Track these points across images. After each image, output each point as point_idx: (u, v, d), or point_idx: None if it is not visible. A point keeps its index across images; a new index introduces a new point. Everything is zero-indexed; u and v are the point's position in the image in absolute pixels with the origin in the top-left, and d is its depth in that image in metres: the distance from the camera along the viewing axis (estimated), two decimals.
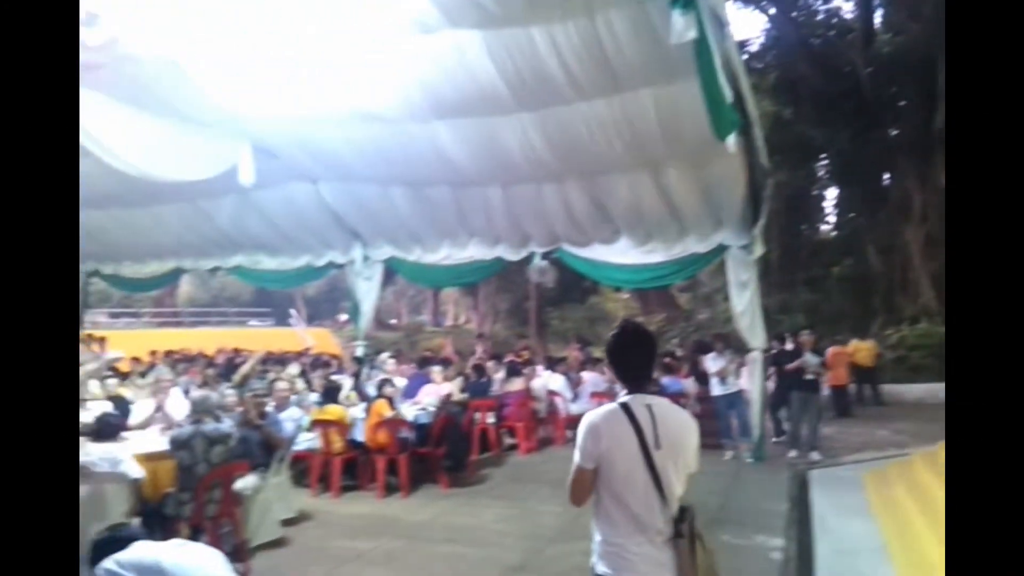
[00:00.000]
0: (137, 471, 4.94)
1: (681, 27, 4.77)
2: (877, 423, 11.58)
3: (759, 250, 8.38)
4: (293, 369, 10.16)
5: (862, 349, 14.40)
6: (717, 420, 9.19)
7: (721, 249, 8.68)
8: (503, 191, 8.90)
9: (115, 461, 4.88)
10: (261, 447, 6.03)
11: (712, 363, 9.10)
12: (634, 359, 2.56)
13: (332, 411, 7.65)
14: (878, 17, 20.66)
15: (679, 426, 2.49)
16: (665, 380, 10.09)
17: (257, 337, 20.99)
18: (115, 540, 2.73)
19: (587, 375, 10.41)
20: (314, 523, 6.30)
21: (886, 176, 19.48)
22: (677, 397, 9.92)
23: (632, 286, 14.02)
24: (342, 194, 9.60)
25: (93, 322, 18.46)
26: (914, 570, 4.77)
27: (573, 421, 9.99)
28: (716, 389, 9.00)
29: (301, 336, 12.28)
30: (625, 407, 2.46)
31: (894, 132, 19.15)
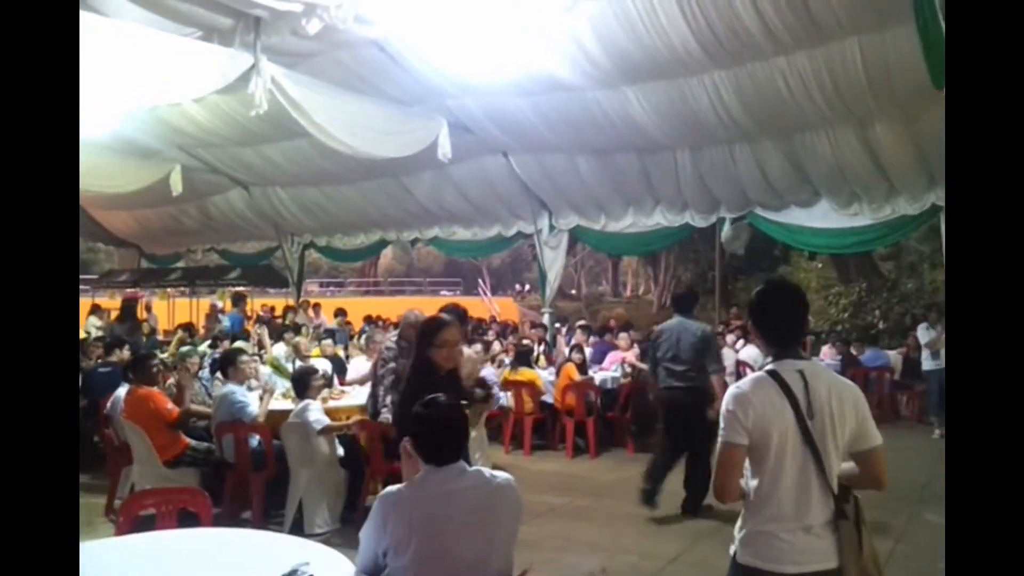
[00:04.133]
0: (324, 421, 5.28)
1: None
2: None
3: None
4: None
5: None
6: (927, 396, 8.55)
7: (936, 210, 7.95)
8: (692, 155, 8.71)
9: (303, 412, 5.27)
10: (471, 402, 6.44)
11: (923, 334, 8.43)
12: (783, 320, 2.30)
13: (525, 373, 8.03)
14: None
15: (837, 393, 2.17)
16: (868, 353, 9.51)
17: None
18: None
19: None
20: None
21: None
22: (882, 371, 9.31)
23: (832, 251, 13.12)
24: (530, 165, 9.88)
25: (307, 290, 20.37)
26: None
27: None
28: (927, 363, 8.35)
29: (488, 304, 12.85)
30: (773, 374, 2.19)
31: None
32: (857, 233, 8.73)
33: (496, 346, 9.15)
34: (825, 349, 9.96)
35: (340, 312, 13.87)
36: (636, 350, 9.08)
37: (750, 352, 9.84)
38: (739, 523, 2.27)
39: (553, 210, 10.94)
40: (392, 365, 5.08)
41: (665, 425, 5.72)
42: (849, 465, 2.23)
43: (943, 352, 8.27)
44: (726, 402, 2.21)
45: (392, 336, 5.76)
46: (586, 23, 6.35)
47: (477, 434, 6.53)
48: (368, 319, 12.90)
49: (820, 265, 18.94)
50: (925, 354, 8.42)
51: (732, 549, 2.27)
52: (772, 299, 2.35)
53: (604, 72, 7.04)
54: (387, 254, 17.37)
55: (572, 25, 6.39)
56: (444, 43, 6.63)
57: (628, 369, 8.56)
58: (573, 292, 34.16)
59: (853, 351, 9.99)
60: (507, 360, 8.66)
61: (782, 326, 2.29)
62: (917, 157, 7.56)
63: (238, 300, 13.46)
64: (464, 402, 3.06)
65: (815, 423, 2.13)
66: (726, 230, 9.48)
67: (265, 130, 8.59)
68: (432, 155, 7.81)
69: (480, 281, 34.21)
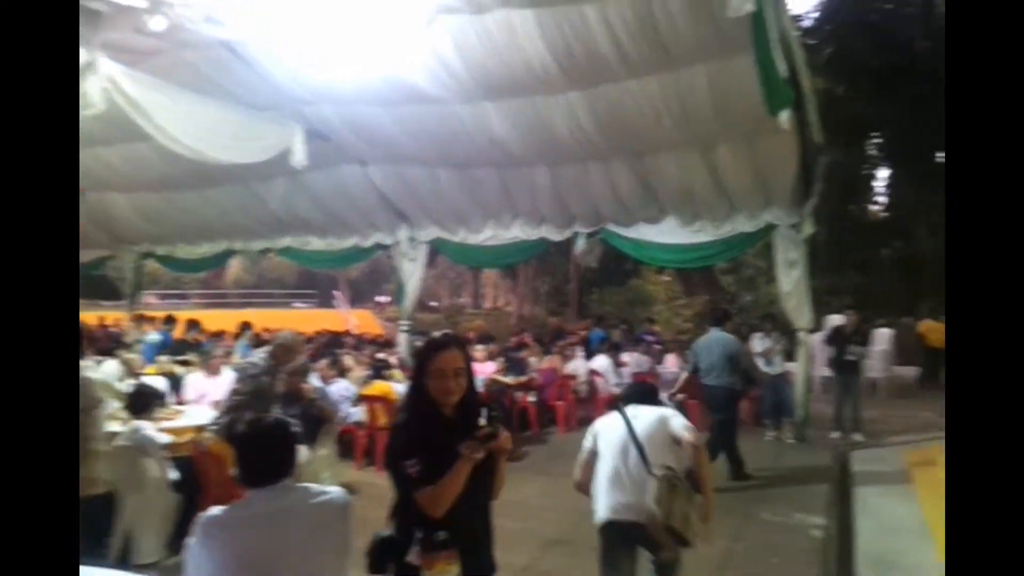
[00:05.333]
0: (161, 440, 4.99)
1: (739, 0, 4.73)
2: (921, 405, 11.40)
3: (809, 229, 8.28)
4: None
5: (934, 330, 14.12)
6: (762, 401, 9.16)
7: (769, 228, 8.59)
8: (549, 171, 8.91)
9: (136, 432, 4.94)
10: (312, 421, 6.19)
11: (759, 344, 9.06)
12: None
13: (378, 387, 7.84)
14: None
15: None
16: None
17: (301, 319, 21.38)
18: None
19: (629, 356, 10.43)
20: (359, 495, 6.44)
21: (939, 155, 18.95)
22: None
23: (676, 266, 13.92)
24: (390, 176, 9.72)
25: (145, 302, 18.99)
26: None
27: (614, 401, 10.06)
28: (763, 368, 8.97)
29: (345, 317, 12.47)
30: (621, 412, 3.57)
31: None
32: (700, 249, 9.27)
33: (349, 360, 8.88)
34: (670, 358, 10.47)
35: (169, 319, 12.53)
36: (496, 363, 9.14)
37: (601, 362, 10.19)
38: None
39: (412, 222, 10.82)
40: (249, 384, 4.85)
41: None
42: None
43: (777, 359, 8.95)
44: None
45: (260, 353, 5.52)
46: (447, 37, 6.33)
47: (327, 451, 6.30)
48: (245, 327, 11.73)
49: (668, 279, 20.00)
50: (761, 362, 9.04)
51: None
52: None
53: (464, 86, 7.06)
54: (235, 264, 16.46)
55: (433, 38, 6.36)
56: (300, 48, 6.37)
57: (487, 383, 8.58)
58: (434, 304, 34.02)
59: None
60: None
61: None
62: (755, 179, 8.13)
63: None
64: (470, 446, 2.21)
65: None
66: (580, 244, 9.78)
67: (102, 132, 7.87)
68: (285, 162, 7.50)
69: (337, 293, 33.29)
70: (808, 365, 8.68)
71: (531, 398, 9.21)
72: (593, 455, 3.50)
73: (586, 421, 9.80)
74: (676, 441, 3.34)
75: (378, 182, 9.92)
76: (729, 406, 6.88)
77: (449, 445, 2.20)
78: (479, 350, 9.34)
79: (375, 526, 2.40)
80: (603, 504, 3.34)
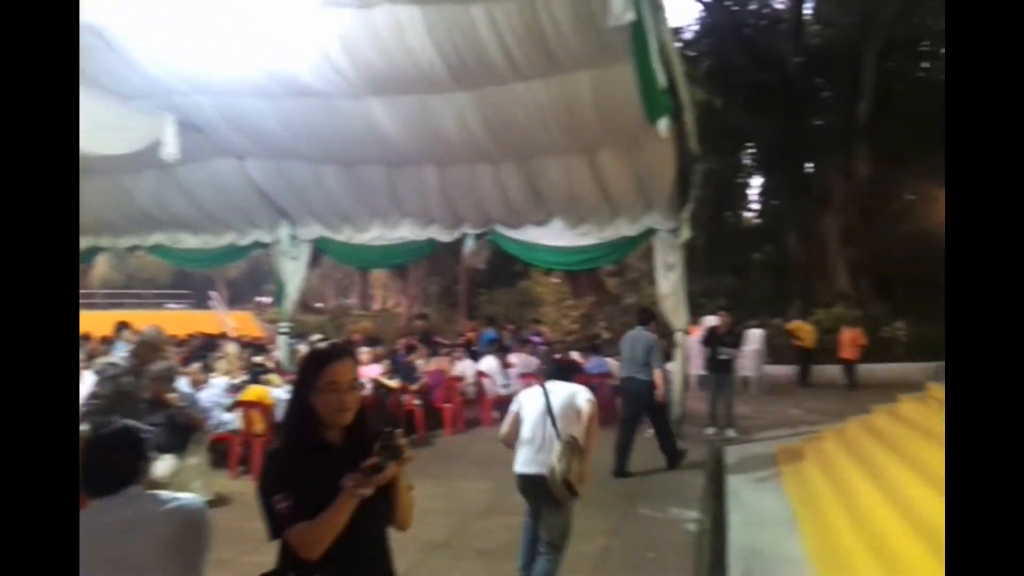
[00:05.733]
0: None
1: (619, 9, 4.84)
2: (790, 402, 12.13)
3: (686, 234, 8.60)
4: (231, 348, 9.85)
5: (803, 330, 14.99)
6: None
7: (650, 232, 8.88)
8: (438, 171, 8.84)
9: None
10: (179, 428, 5.84)
11: None
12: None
13: (254, 392, 7.47)
14: (808, 8, 21.39)
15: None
16: (593, 361, 10.29)
17: (175, 320, 20.25)
18: None
19: (516, 357, 10.51)
20: (233, 506, 6.15)
21: (808, 165, 20.27)
22: (603, 377, 10.12)
23: (563, 268, 14.17)
24: (270, 171, 9.34)
25: None
26: (820, 540, 5.05)
27: (502, 402, 10.08)
28: None
29: (222, 319, 11.89)
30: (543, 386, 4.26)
31: (818, 123, 19.93)
32: (585, 251, 9.47)
33: (223, 363, 8.43)
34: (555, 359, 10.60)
35: None
36: (382, 366, 8.95)
37: (489, 364, 10.21)
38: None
39: (294, 219, 10.45)
40: (109, 387, 4.51)
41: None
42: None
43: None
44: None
45: (121, 352, 5.16)
46: (332, 30, 6.14)
47: (198, 460, 5.98)
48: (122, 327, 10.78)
49: (557, 280, 20.32)
50: None
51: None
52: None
53: (350, 82, 6.87)
54: (101, 262, 15.37)
55: (318, 31, 6.15)
56: (172, 35, 6.01)
57: (369, 386, 8.38)
58: (319, 305, 33.06)
59: (580, 359, 10.72)
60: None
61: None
62: (636, 184, 8.37)
63: None
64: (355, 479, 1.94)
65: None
66: (469, 245, 9.77)
67: None
68: (155, 155, 7.05)
69: (213, 294, 31.76)
70: (685, 364, 9.02)
71: (417, 401, 9.10)
72: (517, 417, 4.21)
73: (474, 423, 9.86)
74: (578, 412, 4.07)
75: (257, 177, 9.51)
76: (648, 396, 7.41)
77: (332, 477, 1.93)
78: (364, 353, 9.12)
79: (253, 539, 2.26)
80: (519, 459, 4.12)
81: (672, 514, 5.91)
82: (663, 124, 5.95)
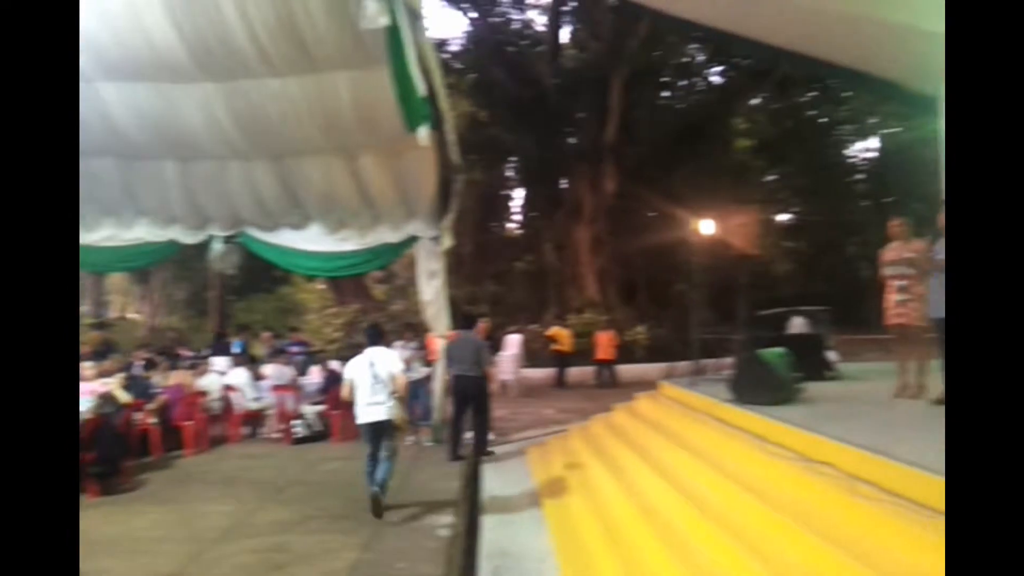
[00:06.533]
0: None
1: (373, 12, 4.77)
2: (545, 403, 12.82)
3: (448, 242, 8.72)
4: None
5: (561, 335, 15.84)
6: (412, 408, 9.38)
7: (412, 240, 8.87)
8: (180, 166, 8.11)
9: None
10: None
11: (399, 352, 9.25)
12: None
13: None
14: (566, 33, 22.84)
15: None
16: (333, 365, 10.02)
17: None
18: None
19: (270, 368, 9.93)
20: None
21: (564, 181, 21.66)
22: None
23: (322, 274, 13.69)
24: None
25: None
26: (566, 534, 5.34)
27: (252, 417, 9.49)
28: (412, 375, 9.18)
29: None
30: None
31: (573, 141, 21.38)
32: (345, 257, 9.22)
33: None
34: (314, 370, 10.20)
35: None
36: (113, 380, 7.98)
37: (238, 376, 9.55)
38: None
39: None
40: None
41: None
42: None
43: (416, 365, 9.25)
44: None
45: None
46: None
47: None
48: None
49: (323, 287, 19.68)
50: (415, 367, 9.27)
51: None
52: None
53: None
54: None
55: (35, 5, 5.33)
56: None
57: (99, 402, 7.42)
58: None
59: (340, 369, 10.40)
60: None
61: None
62: (398, 191, 8.32)
63: None
64: None
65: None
66: (216, 248, 9.06)
67: None
68: None
69: None
70: (446, 369, 9.12)
71: (153, 420, 8.21)
72: (352, 384, 5.90)
73: (220, 440, 9.14)
74: (393, 377, 5.86)
75: None
76: (482, 393, 8.04)
77: None
78: (88, 367, 8.05)
79: None
80: (360, 413, 5.87)
81: (427, 521, 5.90)
82: (423, 132, 5.96)
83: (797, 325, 9.22)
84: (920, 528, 2.99)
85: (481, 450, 8.03)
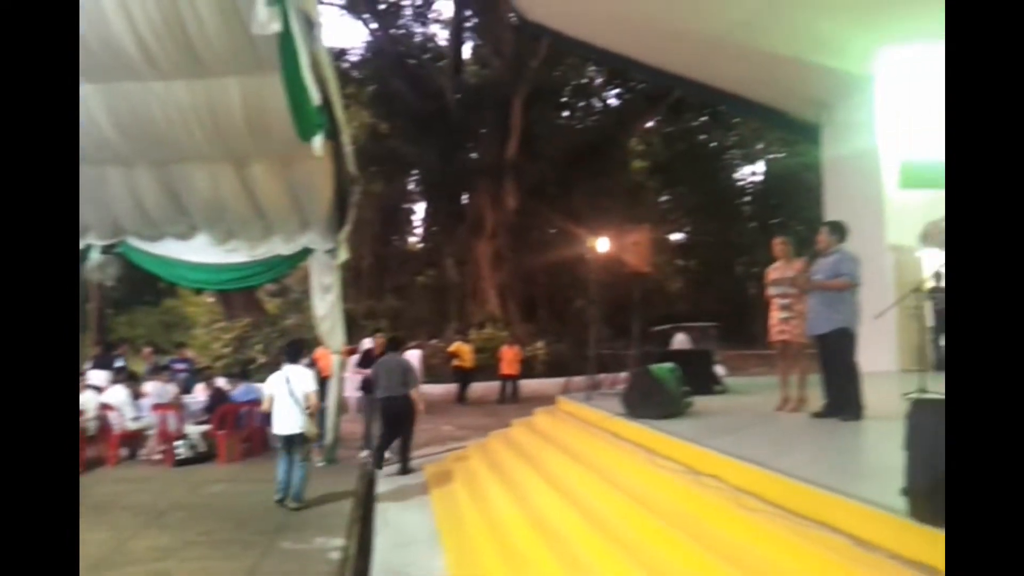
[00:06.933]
0: None
1: (264, 18, 4.61)
2: (445, 419, 12.69)
3: (344, 255, 8.51)
4: None
5: (463, 350, 15.70)
6: None
7: (306, 252, 8.60)
8: None
9: None
10: None
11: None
12: None
13: None
14: (469, 49, 22.97)
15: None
16: (241, 388, 9.62)
17: None
18: None
19: (151, 386, 9.36)
20: None
21: (465, 196, 21.70)
22: (253, 405, 9.50)
23: (209, 287, 13.05)
24: None
25: None
26: (461, 553, 5.28)
27: (131, 437, 8.92)
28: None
29: None
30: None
31: (475, 156, 21.47)
32: (234, 269, 8.82)
33: None
34: (199, 387, 9.71)
35: None
36: None
37: (116, 395, 8.96)
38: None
39: None
40: None
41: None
42: None
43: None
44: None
45: None
46: None
47: None
48: None
49: (212, 300, 18.85)
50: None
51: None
52: None
53: None
54: None
55: None
56: None
57: None
58: None
59: (226, 387, 9.96)
60: None
61: None
62: (291, 201, 8.06)
63: None
64: None
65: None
66: (93, 258, 8.49)
67: None
68: None
69: None
70: (340, 387, 8.88)
71: None
72: (272, 397, 6.49)
73: (96, 463, 8.51)
74: (307, 395, 6.46)
75: None
76: (409, 413, 8.14)
77: None
78: None
79: None
80: (278, 425, 6.49)
81: (317, 544, 5.68)
82: (317, 142, 5.81)
83: (679, 341, 9.54)
84: (799, 538, 3.11)
85: (404, 467, 8.28)
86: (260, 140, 7.00)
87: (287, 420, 6.42)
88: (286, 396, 6.39)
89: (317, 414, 7.43)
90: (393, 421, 8.23)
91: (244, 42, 5.73)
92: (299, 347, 6.99)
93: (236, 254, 8.63)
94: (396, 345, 8.81)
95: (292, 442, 6.46)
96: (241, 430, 8.93)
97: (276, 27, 4.59)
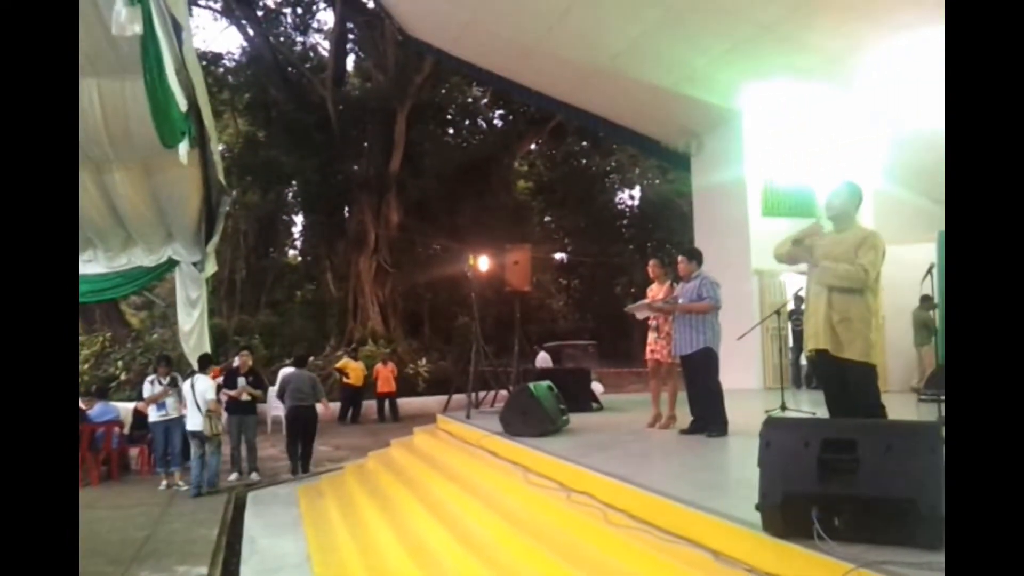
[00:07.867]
0: None
1: (125, 19, 4.32)
2: (322, 440, 12.27)
3: (211, 268, 8.13)
4: None
5: (351, 367, 15.15)
6: (152, 448, 8.52)
7: (171, 264, 8.15)
8: None
9: None
10: None
11: (147, 388, 8.34)
12: None
13: None
14: (352, 61, 22.57)
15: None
16: (98, 407, 8.95)
17: None
18: None
19: None
20: None
21: (347, 209, 21.24)
22: (111, 425, 8.87)
23: None
24: None
25: None
26: None
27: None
28: (153, 415, 8.26)
29: None
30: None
31: (356, 169, 21.07)
32: (91, 281, 8.22)
33: None
34: None
35: None
36: None
37: None
38: None
39: None
40: None
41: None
42: None
43: (170, 403, 8.35)
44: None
45: None
46: None
47: None
48: None
49: None
50: (152, 407, 8.30)
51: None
52: None
53: None
54: None
55: None
56: None
57: None
58: None
59: (82, 406, 9.21)
60: None
61: None
62: (155, 211, 7.63)
63: None
64: None
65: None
66: None
67: None
68: None
69: None
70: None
71: None
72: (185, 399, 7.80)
73: None
74: (207, 401, 7.67)
75: None
76: (313, 421, 9.32)
77: None
78: None
79: None
80: (189, 423, 7.79)
81: (178, 573, 5.34)
82: (182, 149, 5.52)
83: (541, 359, 9.76)
84: (663, 553, 3.20)
85: (305, 467, 9.33)
86: (120, 145, 6.59)
87: (193, 419, 7.75)
88: (192, 401, 7.73)
89: (158, 441, 8.30)
90: (298, 427, 9.30)
91: (104, 42, 5.38)
92: (207, 360, 8.15)
93: (93, 264, 8.05)
94: (300, 362, 10.04)
95: (198, 438, 7.75)
96: (98, 452, 8.28)
97: (137, 29, 4.31)
